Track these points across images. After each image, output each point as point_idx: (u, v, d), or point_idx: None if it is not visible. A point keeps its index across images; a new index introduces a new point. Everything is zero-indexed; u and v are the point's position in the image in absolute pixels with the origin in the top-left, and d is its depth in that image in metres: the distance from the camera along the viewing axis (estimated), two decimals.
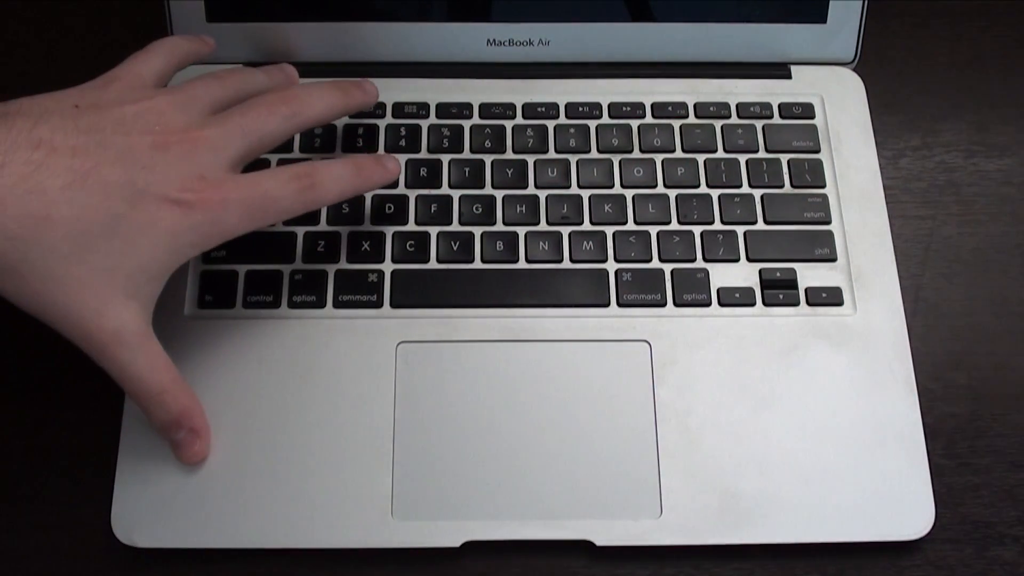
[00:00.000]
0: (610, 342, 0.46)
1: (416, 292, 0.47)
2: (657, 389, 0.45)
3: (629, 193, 0.49)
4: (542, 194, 0.49)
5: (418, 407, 0.44)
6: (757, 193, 0.49)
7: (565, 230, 0.48)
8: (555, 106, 0.52)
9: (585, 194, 0.49)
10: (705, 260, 0.48)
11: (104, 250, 0.36)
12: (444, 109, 0.51)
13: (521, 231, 0.48)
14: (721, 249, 0.48)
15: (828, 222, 0.49)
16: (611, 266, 0.47)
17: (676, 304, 0.47)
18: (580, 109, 0.52)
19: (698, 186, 0.50)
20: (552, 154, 0.50)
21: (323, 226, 0.48)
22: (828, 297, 0.47)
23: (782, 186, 0.50)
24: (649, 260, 0.48)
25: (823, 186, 0.50)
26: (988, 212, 0.52)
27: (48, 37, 0.56)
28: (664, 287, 0.47)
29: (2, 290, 0.36)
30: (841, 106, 0.52)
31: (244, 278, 0.47)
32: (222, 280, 0.47)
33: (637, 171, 0.50)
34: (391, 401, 0.44)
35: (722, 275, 0.47)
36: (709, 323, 0.46)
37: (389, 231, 0.48)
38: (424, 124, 0.51)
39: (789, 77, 0.53)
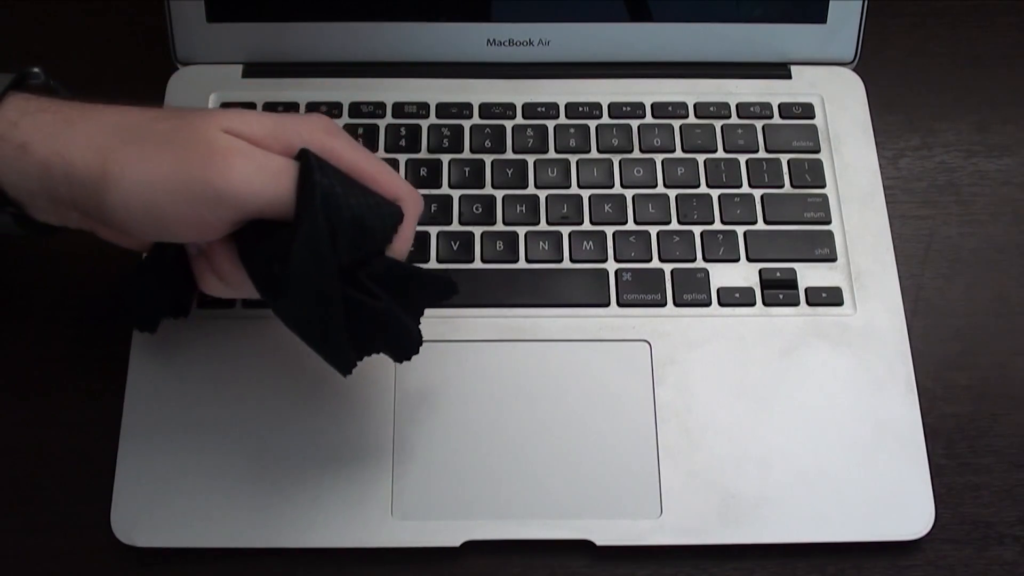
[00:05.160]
0: (610, 342, 0.46)
1: None
2: (657, 389, 0.45)
3: (629, 193, 0.49)
4: (542, 194, 0.49)
5: (418, 407, 0.44)
6: (757, 193, 0.49)
7: (565, 230, 0.48)
8: (555, 106, 0.52)
9: (585, 194, 0.49)
10: (705, 260, 0.48)
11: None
12: (444, 109, 0.51)
13: (521, 231, 0.48)
14: (721, 249, 0.48)
15: (828, 222, 0.49)
16: (611, 266, 0.47)
17: (676, 304, 0.47)
18: (580, 109, 0.52)
19: (698, 186, 0.50)
20: (552, 154, 0.50)
21: None
22: (828, 297, 0.47)
23: (782, 186, 0.50)
24: (649, 260, 0.48)
25: (823, 186, 0.50)
26: (988, 212, 0.52)
27: (48, 37, 0.56)
28: (664, 287, 0.47)
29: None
30: (841, 106, 0.52)
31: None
32: None
33: (637, 171, 0.50)
34: (391, 401, 0.44)
35: (722, 275, 0.47)
36: (709, 323, 0.46)
37: None
38: (424, 124, 0.51)
39: (789, 77, 0.53)
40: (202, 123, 0.35)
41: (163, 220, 0.35)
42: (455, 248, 0.48)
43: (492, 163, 0.50)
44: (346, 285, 0.36)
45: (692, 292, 0.47)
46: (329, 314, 0.36)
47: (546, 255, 0.48)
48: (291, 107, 0.51)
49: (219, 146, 0.34)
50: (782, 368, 0.45)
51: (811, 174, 0.50)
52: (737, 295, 0.47)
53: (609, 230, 0.48)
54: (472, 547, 0.42)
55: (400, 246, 0.38)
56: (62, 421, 0.45)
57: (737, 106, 0.52)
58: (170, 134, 0.35)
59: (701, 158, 0.50)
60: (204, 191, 0.34)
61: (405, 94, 0.52)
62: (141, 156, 0.34)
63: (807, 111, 0.52)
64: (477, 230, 0.48)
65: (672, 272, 0.47)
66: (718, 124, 0.51)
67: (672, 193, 0.49)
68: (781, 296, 0.47)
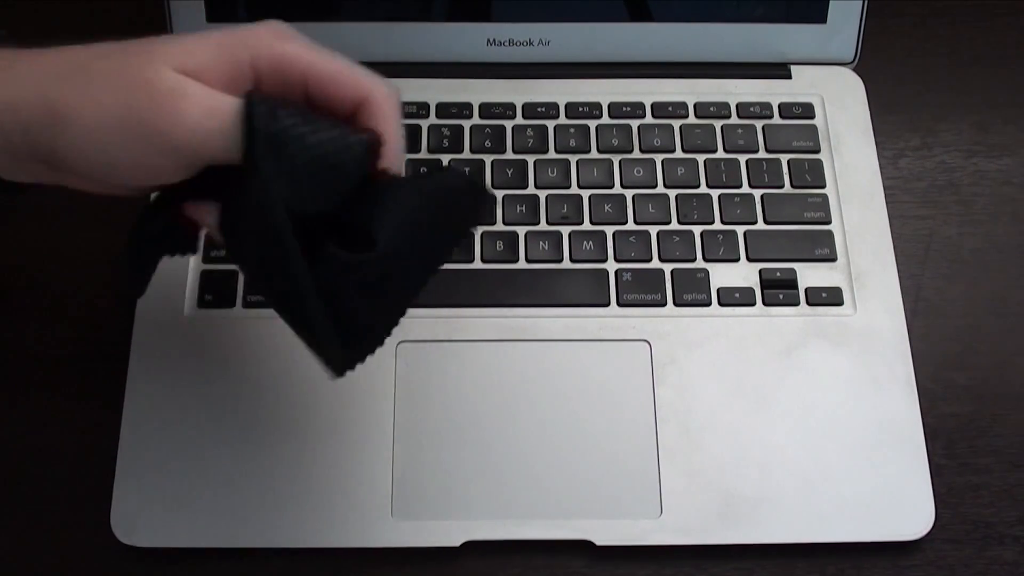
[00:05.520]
0: (610, 342, 0.46)
1: None
2: (657, 389, 0.45)
3: (629, 193, 0.49)
4: (542, 194, 0.49)
5: (418, 407, 0.44)
6: (757, 193, 0.49)
7: (565, 230, 0.48)
8: (555, 106, 0.52)
9: (585, 194, 0.49)
10: (705, 260, 0.48)
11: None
12: (444, 109, 0.51)
13: (521, 231, 0.48)
14: (721, 249, 0.48)
15: (828, 222, 0.49)
16: (611, 266, 0.47)
17: (676, 304, 0.47)
18: (580, 109, 0.52)
19: (698, 186, 0.50)
20: (552, 154, 0.50)
21: None
22: (828, 297, 0.47)
23: (782, 186, 0.50)
24: (649, 260, 0.48)
25: (823, 186, 0.50)
26: (988, 212, 0.52)
27: (47, 37, 0.56)
28: (664, 287, 0.47)
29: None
30: (841, 106, 0.52)
31: (244, 278, 0.47)
32: (222, 280, 0.47)
33: (637, 171, 0.50)
34: (391, 401, 0.44)
35: (722, 275, 0.47)
36: (709, 323, 0.46)
37: None
38: (424, 124, 0.51)
39: (789, 77, 0.53)
40: (147, 60, 0.33)
41: (117, 165, 0.33)
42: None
43: (492, 163, 0.50)
44: (327, 239, 0.32)
45: (692, 292, 0.47)
46: (297, 287, 0.32)
47: (546, 255, 0.48)
48: None
49: (164, 88, 0.32)
50: (782, 368, 0.45)
51: (811, 174, 0.50)
52: (737, 295, 0.47)
53: (609, 230, 0.48)
54: (472, 547, 0.42)
55: (391, 153, 0.34)
56: (62, 421, 0.45)
57: (737, 106, 0.52)
58: (115, 73, 0.33)
59: (701, 158, 0.50)
60: (152, 137, 0.32)
61: (405, 94, 0.51)
62: (87, 98, 0.32)
63: (807, 111, 0.52)
64: (477, 230, 0.48)
65: (672, 272, 0.47)
66: (718, 124, 0.51)
67: (672, 193, 0.49)
68: (781, 296, 0.47)
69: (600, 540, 0.42)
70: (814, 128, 0.51)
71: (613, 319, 0.46)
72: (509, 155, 0.50)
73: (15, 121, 0.33)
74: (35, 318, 0.48)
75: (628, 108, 0.52)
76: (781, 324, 0.46)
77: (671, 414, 0.44)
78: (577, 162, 0.50)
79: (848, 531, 0.42)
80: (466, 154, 0.50)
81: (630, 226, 0.49)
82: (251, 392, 0.44)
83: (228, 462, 0.43)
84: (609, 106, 0.52)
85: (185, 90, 0.32)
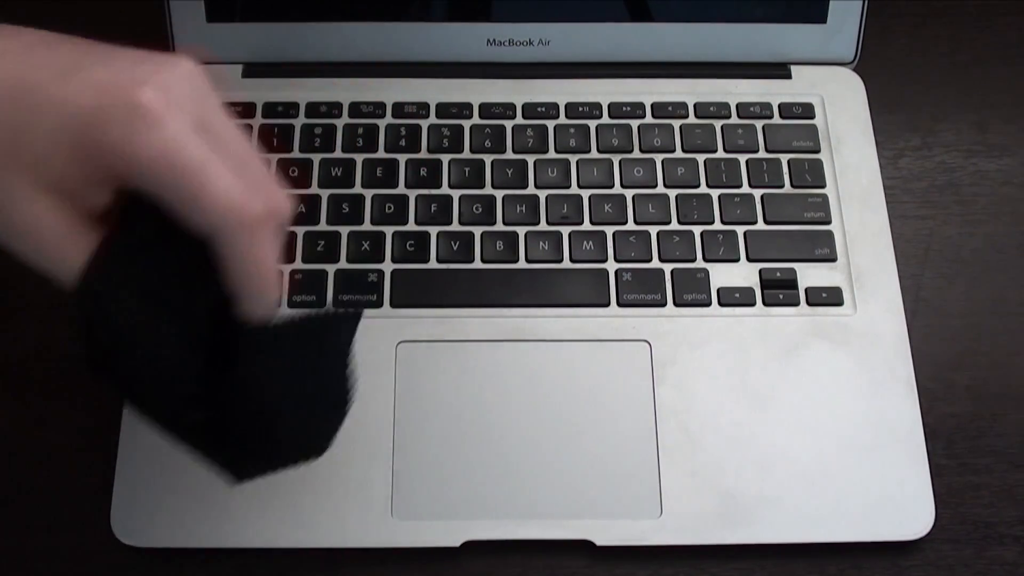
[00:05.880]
0: (610, 342, 0.46)
1: (416, 292, 0.47)
2: (657, 389, 0.45)
3: (629, 193, 0.49)
4: (542, 194, 0.49)
5: (418, 407, 0.44)
6: (757, 193, 0.49)
7: (565, 230, 0.48)
8: (555, 106, 0.52)
9: (585, 194, 0.49)
10: (705, 260, 0.48)
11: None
12: (444, 109, 0.51)
13: (521, 231, 0.48)
14: (721, 249, 0.48)
15: (828, 222, 0.49)
16: (611, 266, 0.47)
17: (676, 304, 0.47)
18: (580, 109, 0.52)
19: (698, 186, 0.50)
20: (552, 154, 0.50)
21: (323, 226, 0.48)
22: (828, 297, 0.47)
23: (782, 186, 0.50)
24: (649, 260, 0.48)
25: (823, 186, 0.50)
26: (988, 212, 0.52)
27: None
28: (664, 287, 0.47)
29: None
30: (841, 106, 0.52)
31: None
32: None
33: (637, 171, 0.50)
34: (391, 401, 0.44)
35: (722, 275, 0.47)
36: (709, 323, 0.46)
37: (389, 231, 0.48)
38: (424, 124, 0.51)
39: (789, 77, 0.53)
40: (9, 170, 0.30)
41: None
42: (455, 248, 0.48)
43: (492, 163, 0.50)
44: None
45: (692, 292, 0.47)
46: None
47: (546, 255, 0.48)
48: (291, 107, 0.51)
49: (18, 228, 0.31)
50: (782, 368, 0.45)
51: (811, 174, 0.50)
52: (737, 295, 0.47)
53: (609, 230, 0.48)
54: (472, 547, 0.42)
55: (249, 301, 0.31)
56: (62, 421, 0.45)
57: (737, 106, 0.52)
58: None
59: (701, 158, 0.50)
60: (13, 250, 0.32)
61: (405, 94, 0.52)
62: None
63: (807, 111, 0.52)
64: (477, 230, 0.48)
65: (672, 272, 0.47)
66: (718, 124, 0.51)
67: (672, 193, 0.49)
68: (781, 296, 0.47)
69: (600, 540, 0.42)
70: (814, 128, 0.51)
71: (613, 319, 0.46)
72: (509, 155, 0.50)
73: None
74: (35, 318, 0.48)
75: (628, 108, 0.52)
76: (781, 324, 0.46)
77: (671, 414, 0.44)
78: (577, 162, 0.50)
79: (848, 531, 0.42)
80: (466, 154, 0.50)
81: (630, 226, 0.49)
82: None
83: None
84: (609, 106, 0.52)
85: (38, 233, 0.31)
